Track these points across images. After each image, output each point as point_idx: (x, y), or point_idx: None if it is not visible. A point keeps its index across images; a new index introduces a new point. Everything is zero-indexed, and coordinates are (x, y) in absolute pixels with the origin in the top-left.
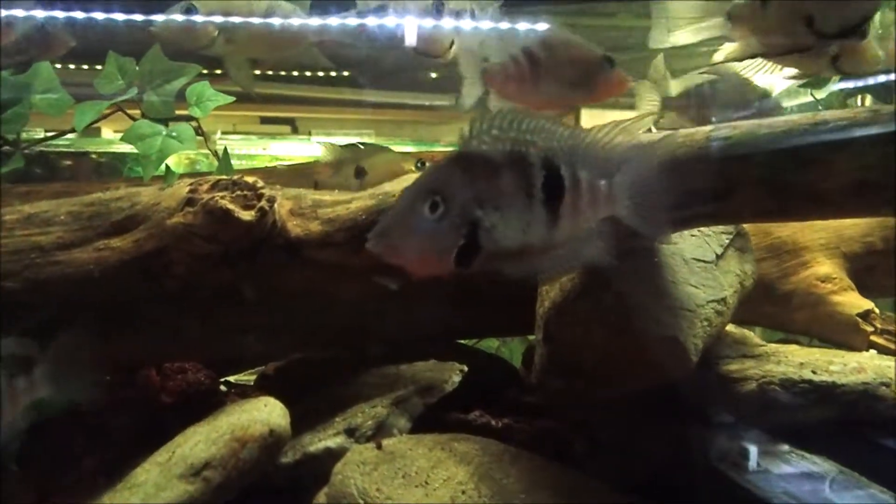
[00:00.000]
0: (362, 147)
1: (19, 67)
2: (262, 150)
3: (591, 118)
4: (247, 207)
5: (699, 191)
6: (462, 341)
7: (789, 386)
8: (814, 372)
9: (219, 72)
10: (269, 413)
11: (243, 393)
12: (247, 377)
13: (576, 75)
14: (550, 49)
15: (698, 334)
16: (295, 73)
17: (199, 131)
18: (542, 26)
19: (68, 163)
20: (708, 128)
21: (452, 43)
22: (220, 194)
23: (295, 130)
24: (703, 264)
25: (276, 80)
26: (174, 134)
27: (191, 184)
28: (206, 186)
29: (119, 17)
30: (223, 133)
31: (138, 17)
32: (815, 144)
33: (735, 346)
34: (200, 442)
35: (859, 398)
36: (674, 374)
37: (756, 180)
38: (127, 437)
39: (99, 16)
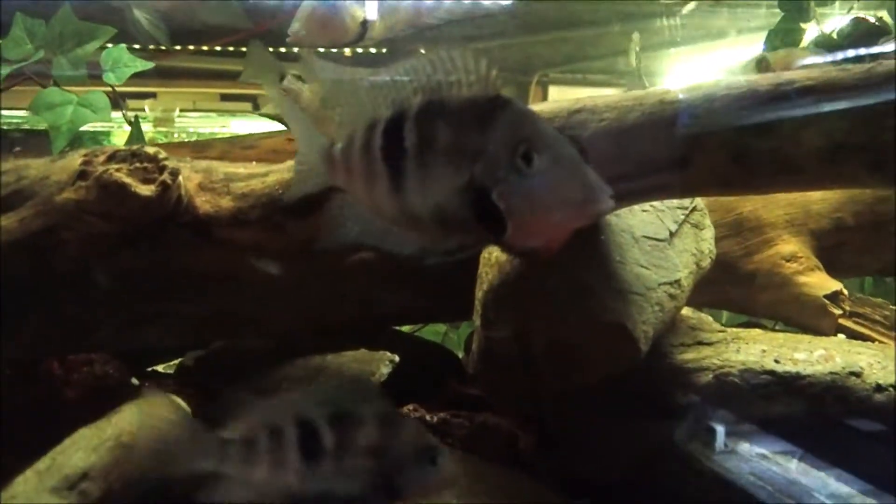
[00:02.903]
0: None
1: None
2: (221, 128)
3: (559, 94)
4: (147, 181)
5: (652, 160)
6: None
7: (749, 377)
8: (776, 361)
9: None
10: (166, 410)
11: (158, 386)
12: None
13: None
14: None
15: (649, 320)
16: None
17: (114, 100)
18: None
19: None
20: (661, 90)
21: None
22: (117, 166)
23: (256, 108)
24: (655, 242)
25: (237, 56)
26: (86, 103)
27: (85, 154)
28: (101, 158)
29: None
30: (182, 110)
31: None
32: (782, 106)
33: (691, 333)
34: (81, 449)
35: (826, 390)
36: (622, 365)
37: (716, 147)
38: (26, 438)
39: None
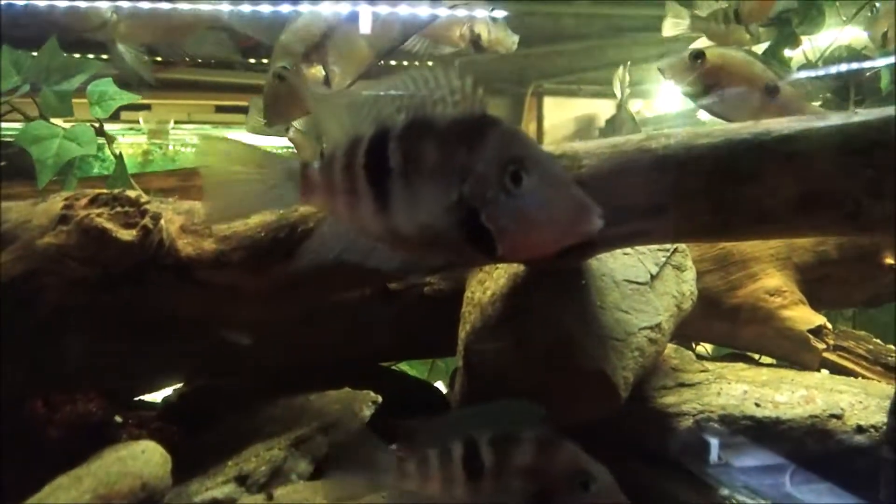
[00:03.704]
0: None
1: None
2: None
3: (554, 105)
4: (128, 226)
5: (630, 207)
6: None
7: (730, 422)
8: (757, 405)
9: None
10: (144, 462)
11: (141, 423)
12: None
13: None
14: None
15: (629, 366)
16: (252, 61)
17: (100, 132)
18: None
19: None
20: (639, 136)
21: None
22: (98, 211)
23: None
24: (635, 286)
25: (231, 67)
26: (72, 136)
27: (66, 198)
28: (83, 201)
29: None
30: (176, 123)
31: None
32: (759, 155)
33: (672, 374)
34: (59, 500)
35: (806, 434)
36: (602, 411)
37: (693, 195)
38: (9, 479)
39: None
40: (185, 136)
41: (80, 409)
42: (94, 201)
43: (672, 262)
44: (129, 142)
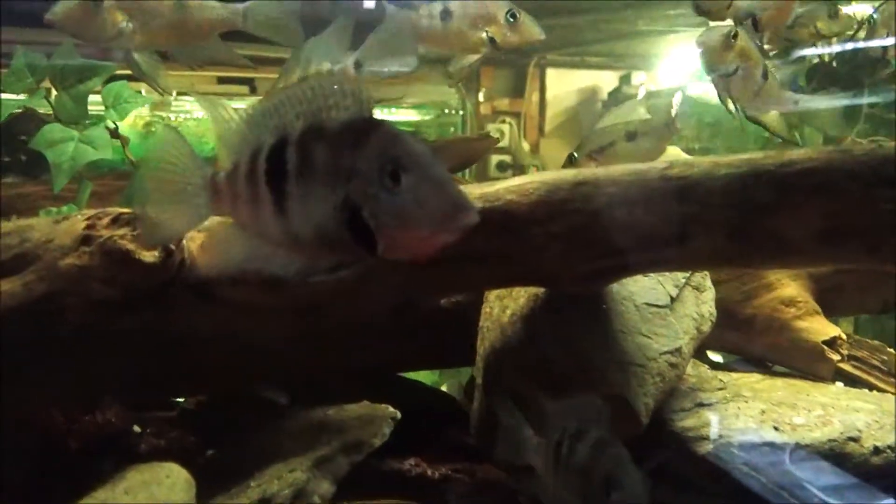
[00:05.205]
0: None
1: None
2: None
3: (557, 76)
4: (150, 246)
5: (652, 235)
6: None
7: (749, 447)
8: (776, 428)
9: None
10: (169, 488)
11: (159, 433)
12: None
13: None
14: None
15: (649, 392)
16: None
17: (114, 135)
18: None
19: None
20: (662, 164)
21: None
22: (120, 232)
23: (253, 91)
24: (656, 309)
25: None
26: (87, 139)
27: (88, 218)
28: (105, 221)
29: None
30: (179, 94)
31: None
32: (782, 187)
33: (691, 394)
34: None
35: (825, 457)
36: (622, 436)
37: (715, 225)
38: (30, 491)
39: None
40: (188, 107)
41: (99, 420)
42: (116, 221)
43: (691, 283)
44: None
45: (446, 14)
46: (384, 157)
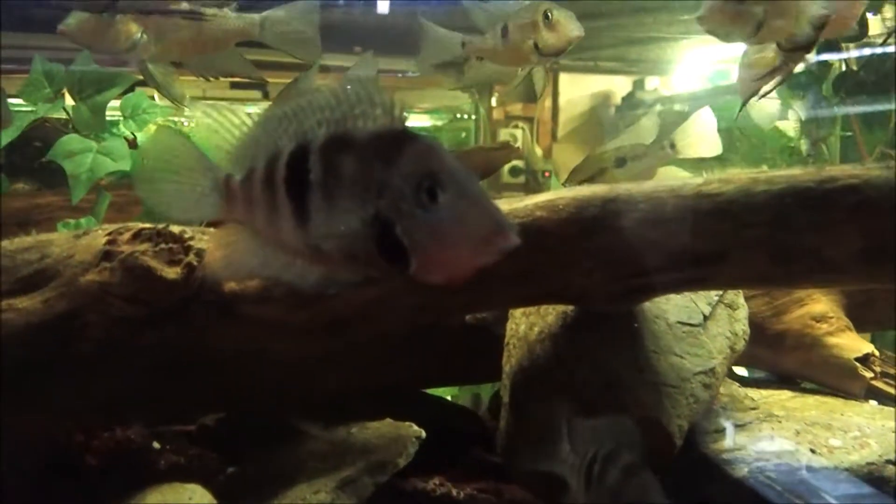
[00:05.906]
0: None
1: None
2: None
3: (570, 81)
4: (172, 263)
5: (687, 253)
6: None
7: (786, 471)
8: (812, 451)
9: None
10: None
11: (178, 449)
12: None
13: None
14: None
15: (683, 414)
16: None
17: (133, 145)
18: None
19: None
20: (698, 181)
21: None
22: (142, 248)
23: (266, 96)
24: (689, 328)
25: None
26: (106, 151)
27: (109, 233)
28: (126, 236)
29: None
30: (192, 99)
31: None
32: (823, 205)
33: (724, 414)
34: None
35: (864, 481)
36: (655, 459)
37: (753, 244)
38: None
39: None
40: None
41: (119, 437)
42: (137, 236)
43: (724, 301)
44: None
45: (505, 31)
46: (420, 173)
